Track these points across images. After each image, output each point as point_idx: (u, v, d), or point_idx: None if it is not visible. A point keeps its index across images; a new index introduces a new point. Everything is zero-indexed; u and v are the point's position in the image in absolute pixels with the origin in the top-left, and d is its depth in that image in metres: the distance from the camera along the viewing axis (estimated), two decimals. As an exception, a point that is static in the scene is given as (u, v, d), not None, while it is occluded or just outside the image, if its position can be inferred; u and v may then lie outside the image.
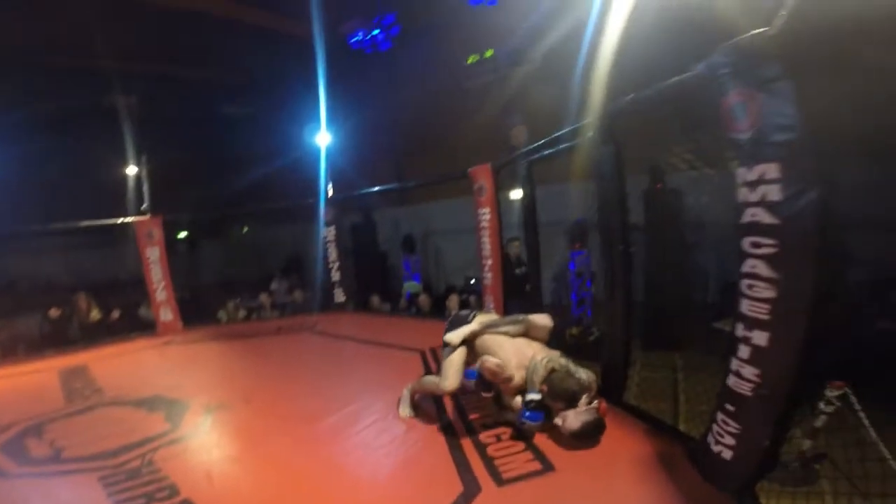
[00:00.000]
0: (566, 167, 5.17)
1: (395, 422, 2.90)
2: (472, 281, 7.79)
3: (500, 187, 5.03)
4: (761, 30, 1.64)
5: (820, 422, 2.56)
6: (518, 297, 5.05)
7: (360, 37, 9.17)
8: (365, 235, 8.88)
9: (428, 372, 3.77)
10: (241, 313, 7.57)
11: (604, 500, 2.07)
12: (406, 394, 3.01)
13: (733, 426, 1.92)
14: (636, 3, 2.50)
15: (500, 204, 4.88)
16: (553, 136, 3.40)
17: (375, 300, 7.26)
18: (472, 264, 8.35)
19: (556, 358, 2.57)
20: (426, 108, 9.60)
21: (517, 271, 5.54)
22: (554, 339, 2.85)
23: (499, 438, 2.57)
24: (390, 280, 9.19)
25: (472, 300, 5.98)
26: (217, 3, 7.63)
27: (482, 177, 4.84)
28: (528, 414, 2.45)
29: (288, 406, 3.39)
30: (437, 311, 6.37)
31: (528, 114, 7.63)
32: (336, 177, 7.49)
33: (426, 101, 9.54)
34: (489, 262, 4.96)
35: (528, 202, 4.06)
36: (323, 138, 7.54)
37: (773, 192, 1.72)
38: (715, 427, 2.02)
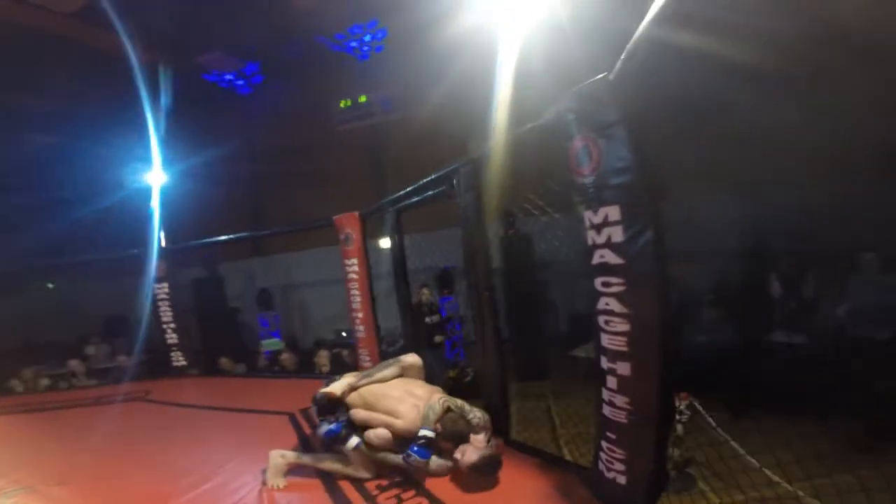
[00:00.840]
0: (435, 215, 5.32)
1: (268, 493, 2.55)
2: (345, 334, 7.40)
3: (370, 235, 4.93)
4: (600, 76, 1.82)
5: (679, 430, 2.85)
6: (430, 347, 4.88)
7: (217, 76, 8.44)
8: (210, 291, 7.88)
9: (301, 435, 3.44)
10: (44, 382, 6.26)
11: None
12: (279, 461, 2.66)
13: (619, 453, 2.02)
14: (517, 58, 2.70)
15: (369, 253, 4.73)
16: (419, 183, 3.45)
17: (225, 362, 6.40)
18: (343, 317, 7.98)
19: (452, 398, 2.62)
20: (291, 152, 9.15)
21: (428, 320, 5.25)
22: (433, 383, 2.91)
23: (381, 489, 2.45)
24: (244, 339, 8.23)
25: (346, 354, 5.61)
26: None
27: (349, 225, 4.67)
28: (416, 449, 2.41)
29: (122, 486, 2.82)
30: (305, 368, 5.86)
31: (401, 161, 7.78)
32: (174, 225, 6.58)
33: (292, 144, 9.09)
34: (360, 314, 4.73)
35: (398, 250, 4.01)
36: (157, 179, 6.58)
37: (617, 234, 1.91)
38: (603, 455, 2.12)
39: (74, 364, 6.49)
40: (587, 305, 2.07)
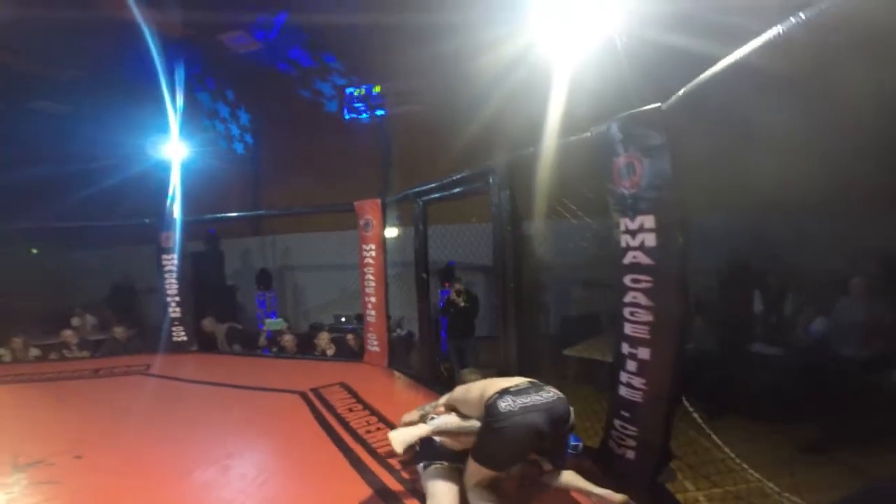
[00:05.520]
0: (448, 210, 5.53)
1: (290, 473, 2.60)
2: (344, 319, 7.53)
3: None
4: (653, 105, 2.12)
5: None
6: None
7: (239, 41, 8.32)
8: (209, 267, 7.92)
9: (317, 414, 3.51)
10: (34, 352, 6.14)
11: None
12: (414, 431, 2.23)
13: (631, 429, 2.32)
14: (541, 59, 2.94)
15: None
16: (451, 177, 3.68)
17: (208, 322, 6.49)
18: (336, 303, 8.14)
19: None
20: (298, 135, 9.28)
21: (463, 304, 5.64)
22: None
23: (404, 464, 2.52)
24: (240, 318, 8.30)
25: (350, 339, 5.78)
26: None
27: (370, 212, 4.88)
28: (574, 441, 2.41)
29: (139, 461, 2.81)
30: (302, 350, 6.01)
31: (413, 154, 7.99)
32: (187, 199, 6.66)
33: (300, 128, 9.24)
34: (373, 299, 4.94)
35: (421, 241, 4.25)
36: (176, 152, 6.63)
37: (650, 239, 2.22)
38: (614, 433, 2.41)
39: (67, 334, 6.37)
40: (580, 309, 2.33)
